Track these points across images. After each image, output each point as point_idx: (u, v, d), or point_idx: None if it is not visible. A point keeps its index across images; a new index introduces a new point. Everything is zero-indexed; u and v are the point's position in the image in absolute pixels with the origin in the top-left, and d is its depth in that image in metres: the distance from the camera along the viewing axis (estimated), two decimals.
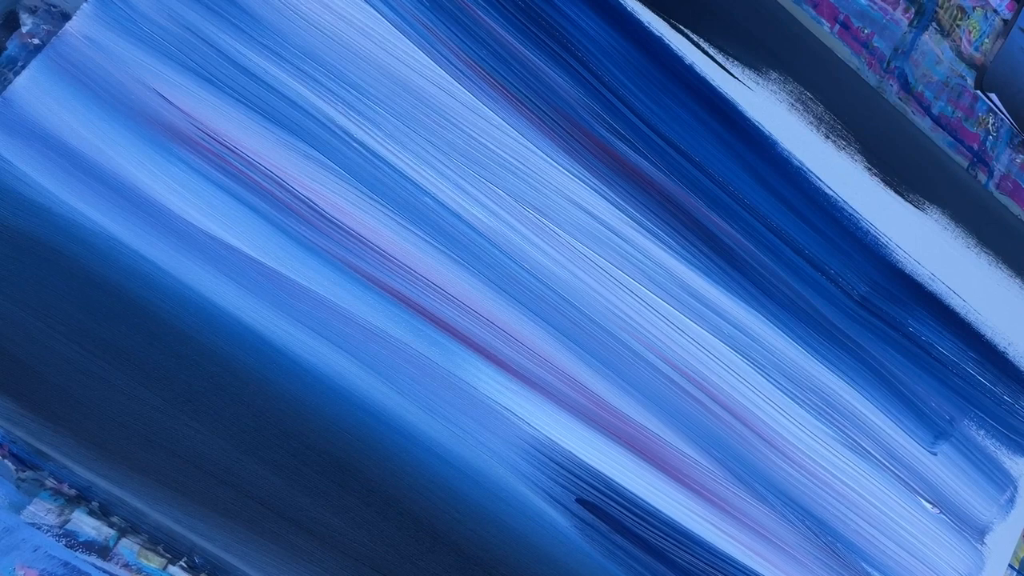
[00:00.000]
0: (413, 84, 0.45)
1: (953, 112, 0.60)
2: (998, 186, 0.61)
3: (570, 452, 0.45)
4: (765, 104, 0.53)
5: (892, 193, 0.56)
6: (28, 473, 0.37)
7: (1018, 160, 0.62)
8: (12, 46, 0.39)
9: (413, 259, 0.44)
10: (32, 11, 0.40)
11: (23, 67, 0.39)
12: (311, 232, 0.42)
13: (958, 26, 0.61)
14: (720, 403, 0.49)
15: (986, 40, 0.62)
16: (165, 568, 0.39)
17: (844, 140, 0.55)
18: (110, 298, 0.39)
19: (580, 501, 0.45)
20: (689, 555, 0.48)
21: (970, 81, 0.61)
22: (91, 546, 0.37)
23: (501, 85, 0.47)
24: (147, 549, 0.38)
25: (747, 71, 0.53)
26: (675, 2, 0.52)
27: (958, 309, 0.57)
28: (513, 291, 0.46)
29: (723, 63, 0.53)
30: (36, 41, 0.39)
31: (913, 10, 0.59)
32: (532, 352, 0.45)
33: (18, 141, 0.38)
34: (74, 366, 0.38)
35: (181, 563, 0.39)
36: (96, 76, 0.40)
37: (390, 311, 0.43)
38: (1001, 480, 0.56)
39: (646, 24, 0.51)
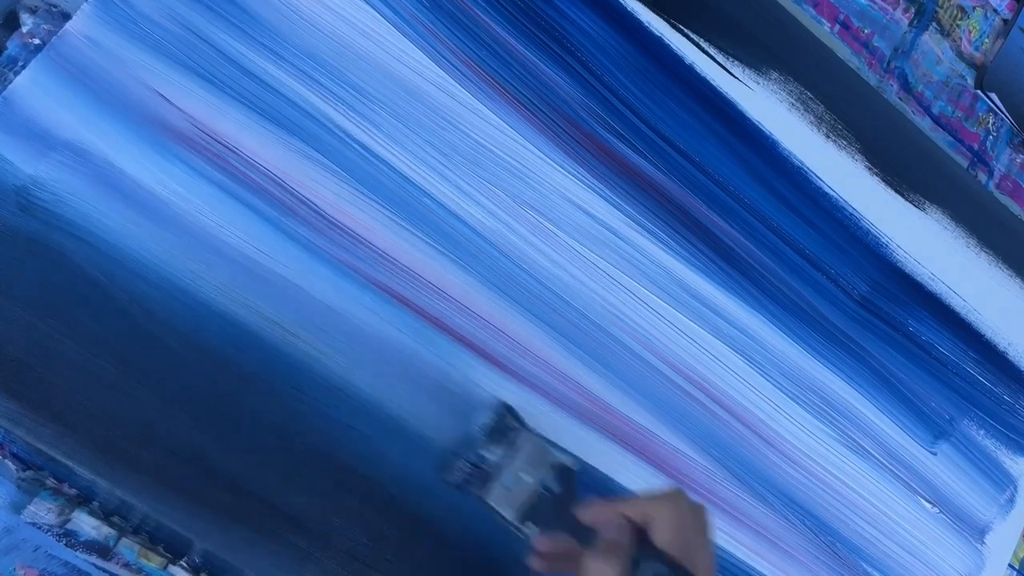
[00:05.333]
0: (413, 85, 0.45)
1: (953, 112, 0.60)
2: (998, 186, 0.61)
3: (569, 452, 0.45)
4: (765, 104, 0.53)
5: (892, 193, 0.56)
6: (28, 473, 0.37)
7: (1018, 160, 0.62)
8: (12, 46, 0.39)
9: (412, 260, 0.44)
10: (32, 11, 0.40)
11: (23, 67, 0.39)
12: (310, 232, 0.42)
13: (958, 26, 0.61)
14: (720, 403, 0.49)
15: (986, 40, 0.62)
16: (165, 568, 0.39)
17: (844, 140, 0.55)
18: (110, 298, 0.39)
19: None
20: None
21: (970, 81, 0.61)
22: (91, 546, 0.37)
23: (501, 86, 0.47)
24: (147, 549, 0.38)
25: (747, 71, 0.53)
26: (675, 2, 0.52)
27: (958, 309, 0.57)
28: (512, 292, 0.46)
29: (723, 63, 0.53)
30: (36, 41, 0.39)
31: (913, 10, 0.59)
32: (531, 352, 0.45)
33: (18, 141, 0.38)
34: (74, 366, 0.38)
35: (181, 563, 0.39)
36: (96, 76, 0.40)
37: (389, 311, 0.43)
38: (1001, 480, 0.56)
39: (646, 24, 0.51)
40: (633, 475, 0.47)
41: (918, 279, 0.56)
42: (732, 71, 0.53)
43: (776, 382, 0.51)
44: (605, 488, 0.46)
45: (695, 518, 0.35)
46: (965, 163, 0.60)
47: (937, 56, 0.60)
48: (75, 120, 0.39)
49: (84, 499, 0.38)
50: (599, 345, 0.47)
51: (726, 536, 0.48)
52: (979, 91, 0.61)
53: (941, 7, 0.60)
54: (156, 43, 0.41)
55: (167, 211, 0.40)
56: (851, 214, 0.55)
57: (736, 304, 0.51)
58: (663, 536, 0.34)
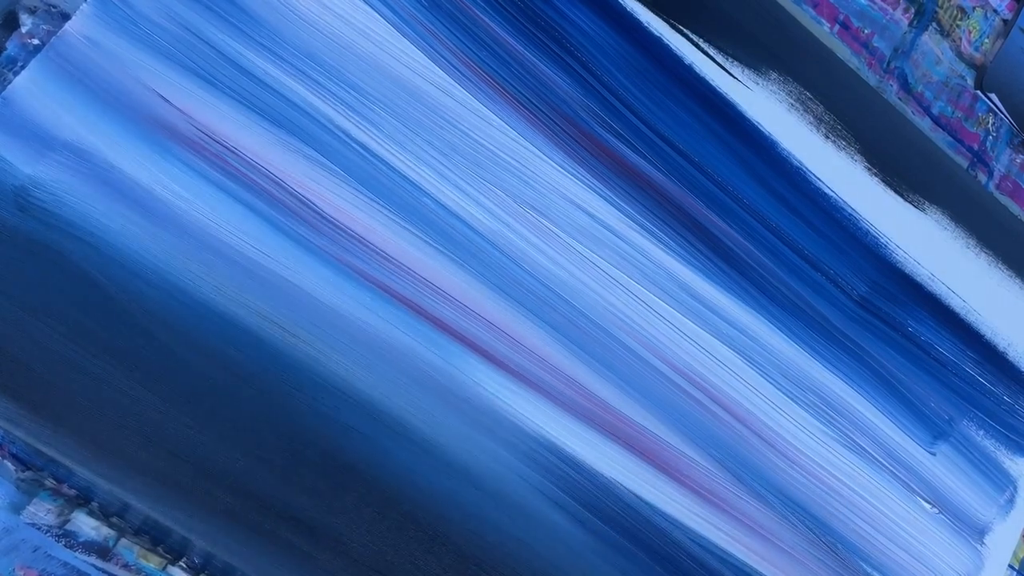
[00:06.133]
0: (412, 85, 0.45)
1: (953, 112, 0.60)
2: (998, 186, 0.61)
3: (570, 453, 0.45)
4: (765, 104, 0.53)
5: (892, 193, 0.56)
6: (28, 473, 0.37)
7: (1018, 160, 0.62)
8: (12, 46, 0.39)
9: (412, 260, 0.44)
10: (32, 11, 0.40)
11: (23, 67, 0.39)
12: (310, 233, 0.42)
13: (958, 26, 0.61)
14: (720, 403, 0.49)
15: (986, 40, 0.62)
16: (165, 568, 0.39)
17: (844, 140, 0.55)
18: (110, 298, 0.39)
19: (580, 502, 0.45)
20: (689, 556, 0.48)
21: (970, 81, 0.61)
22: (91, 546, 0.38)
23: (500, 86, 0.47)
24: (147, 549, 0.38)
25: (747, 71, 0.53)
26: (675, 2, 0.52)
27: (958, 309, 0.57)
28: (512, 292, 0.46)
29: (722, 63, 0.53)
30: (36, 41, 0.39)
31: (913, 10, 0.59)
32: (531, 353, 0.45)
33: (18, 141, 0.38)
34: (74, 366, 0.38)
35: (181, 563, 0.39)
36: (96, 76, 0.40)
37: (389, 311, 0.43)
38: (1000, 480, 0.56)
39: (645, 24, 0.51)
40: (633, 475, 0.47)
41: (917, 279, 0.56)
42: (731, 71, 0.53)
43: (775, 382, 0.51)
44: (605, 490, 0.46)
45: None
46: (965, 163, 0.60)
47: (937, 56, 0.60)
48: (74, 120, 0.39)
49: (83, 500, 0.38)
50: (598, 344, 0.47)
51: (726, 536, 0.49)
52: (979, 91, 0.61)
53: (941, 7, 0.60)
54: (156, 43, 0.41)
55: (167, 211, 0.40)
56: (850, 214, 0.55)
57: (735, 304, 0.51)
58: None
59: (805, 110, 0.55)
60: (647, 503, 0.47)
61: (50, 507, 0.37)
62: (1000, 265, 0.59)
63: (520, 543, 0.44)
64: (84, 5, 0.40)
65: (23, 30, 0.39)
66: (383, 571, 0.41)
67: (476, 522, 0.43)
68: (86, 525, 0.37)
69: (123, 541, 0.38)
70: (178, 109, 0.41)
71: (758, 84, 0.53)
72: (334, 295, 0.42)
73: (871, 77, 0.58)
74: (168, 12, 0.41)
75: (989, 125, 0.61)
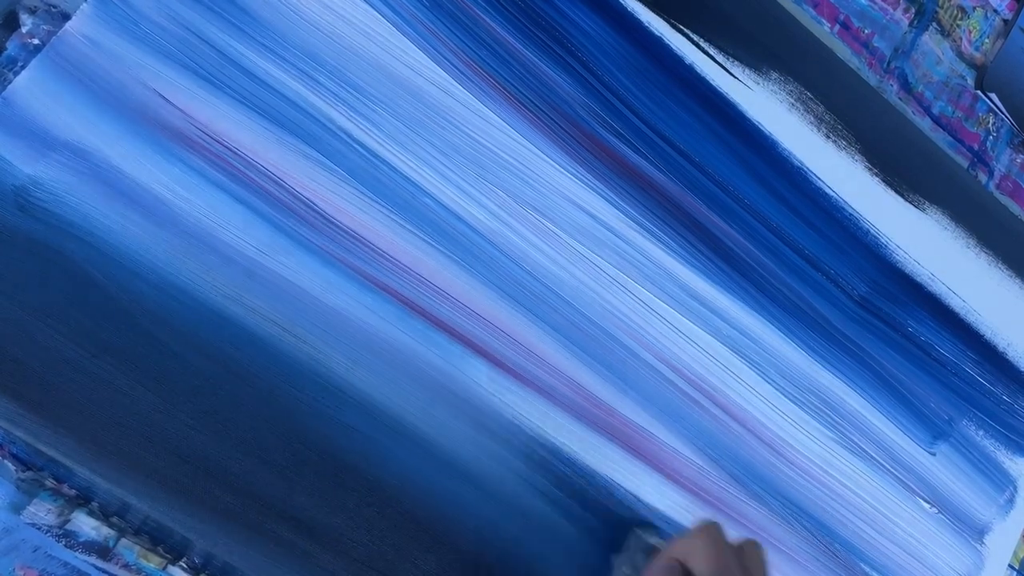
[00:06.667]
0: (413, 85, 0.45)
1: (953, 112, 0.60)
2: (998, 186, 0.61)
3: (569, 453, 0.45)
4: (765, 104, 0.53)
5: (892, 193, 0.56)
6: (28, 473, 0.37)
7: (1018, 160, 0.62)
8: (12, 46, 0.39)
9: (413, 260, 0.44)
10: (32, 11, 0.40)
11: (23, 67, 0.39)
12: (311, 233, 0.42)
13: (958, 26, 0.61)
14: (719, 404, 0.49)
15: (986, 40, 0.62)
16: (165, 568, 0.39)
17: (844, 140, 0.55)
18: (110, 298, 0.39)
19: (579, 502, 0.45)
20: None
21: (970, 81, 0.61)
22: (91, 546, 0.37)
23: (501, 86, 0.47)
24: (147, 549, 0.38)
25: (747, 71, 0.53)
26: (675, 2, 0.52)
27: (958, 309, 0.57)
28: (513, 292, 0.46)
29: (723, 63, 0.53)
30: (36, 41, 0.39)
31: (913, 10, 0.59)
32: (531, 353, 0.45)
33: (17, 141, 0.38)
34: (74, 366, 0.38)
35: (181, 563, 0.39)
36: (96, 76, 0.40)
37: (389, 311, 0.43)
38: (1000, 480, 0.56)
39: (646, 24, 0.51)
40: (632, 475, 0.47)
41: (918, 279, 0.56)
42: (732, 71, 0.53)
43: (775, 383, 0.51)
44: (604, 490, 0.46)
45: (736, 548, 0.37)
46: (965, 163, 0.60)
47: (937, 56, 0.60)
48: (74, 120, 0.39)
49: (83, 499, 0.38)
50: (598, 345, 0.47)
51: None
52: (979, 91, 0.61)
53: (941, 7, 0.60)
54: (156, 43, 0.41)
55: (167, 211, 0.40)
56: (851, 214, 0.55)
57: (735, 304, 0.51)
58: (699, 569, 0.35)
59: (805, 110, 0.55)
60: (646, 504, 0.47)
61: (50, 507, 0.37)
62: (1000, 265, 0.59)
63: (519, 543, 0.44)
64: (84, 5, 0.40)
65: (23, 30, 0.39)
66: (383, 571, 0.41)
67: (476, 522, 0.43)
68: (86, 525, 0.37)
69: (123, 541, 0.38)
70: (178, 109, 0.41)
71: (758, 84, 0.53)
72: (334, 295, 0.42)
73: (871, 77, 0.57)
74: (169, 12, 0.41)
75: (989, 125, 0.61)
